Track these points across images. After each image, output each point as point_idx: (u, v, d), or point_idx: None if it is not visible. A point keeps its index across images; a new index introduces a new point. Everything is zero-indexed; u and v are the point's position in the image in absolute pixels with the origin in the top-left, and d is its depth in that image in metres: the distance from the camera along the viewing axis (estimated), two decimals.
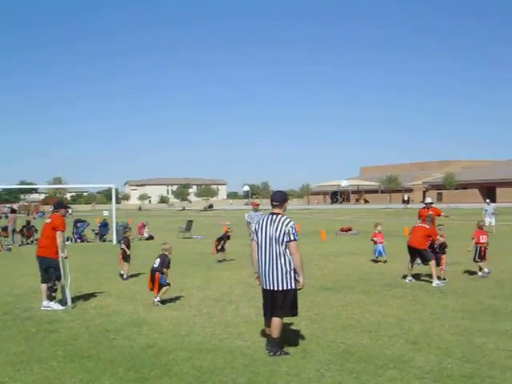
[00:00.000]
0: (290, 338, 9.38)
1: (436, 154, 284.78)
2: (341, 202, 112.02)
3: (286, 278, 8.42)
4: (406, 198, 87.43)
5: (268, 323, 8.74)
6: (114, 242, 31.82)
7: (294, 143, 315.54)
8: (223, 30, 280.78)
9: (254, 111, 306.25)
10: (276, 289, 8.46)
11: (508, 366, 7.82)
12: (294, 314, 8.77)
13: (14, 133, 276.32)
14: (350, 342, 9.25)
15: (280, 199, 8.75)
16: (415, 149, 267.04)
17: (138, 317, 11.55)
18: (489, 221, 34.61)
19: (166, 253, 13.44)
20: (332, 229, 37.77)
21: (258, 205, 23.28)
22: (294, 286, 8.51)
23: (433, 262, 15.02)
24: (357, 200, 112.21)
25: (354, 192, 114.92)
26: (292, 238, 8.40)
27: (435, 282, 14.72)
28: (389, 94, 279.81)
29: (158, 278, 12.88)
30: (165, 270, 13.08)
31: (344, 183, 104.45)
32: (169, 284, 13.12)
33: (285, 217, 8.57)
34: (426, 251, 15.22)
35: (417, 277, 15.81)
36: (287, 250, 8.42)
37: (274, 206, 8.74)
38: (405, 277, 15.64)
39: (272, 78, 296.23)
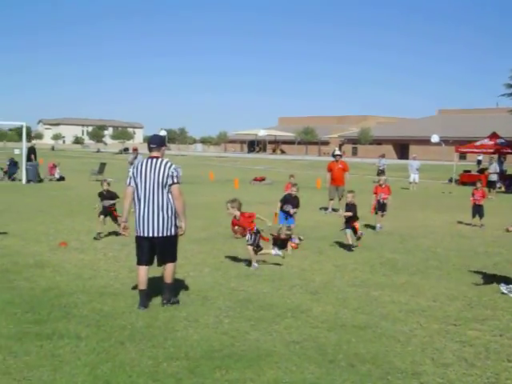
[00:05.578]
0: (192, 284, 9.47)
1: (356, 109, 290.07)
2: (257, 152, 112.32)
3: (168, 224, 8.25)
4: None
5: (143, 271, 8.46)
6: (24, 181, 31.20)
7: (215, 92, 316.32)
8: None
9: (174, 62, 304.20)
10: (157, 235, 8.24)
11: (399, 318, 8.14)
12: (174, 260, 8.55)
13: None
14: (252, 290, 9.42)
15: (158, 142, 8.54)
16: (336, 103, 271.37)
17: (41, 258, 11.40)
18: (413, 177, 34.80)
19: None
20: (246, 178, 37.90)
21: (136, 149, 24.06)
22: (174, 233, 8.37)
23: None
24: (273, 150, 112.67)
25: (270, 142, 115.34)
26: (176, 180, 8.21)
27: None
28: (314, 46, 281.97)
29: None
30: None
31: (261, 132, 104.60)
32: None
33: (166, 159, 8.35)
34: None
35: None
36: (169, 195, 8.23)
37: (151, 150, 8.42)
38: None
39: (192, 29, 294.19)
